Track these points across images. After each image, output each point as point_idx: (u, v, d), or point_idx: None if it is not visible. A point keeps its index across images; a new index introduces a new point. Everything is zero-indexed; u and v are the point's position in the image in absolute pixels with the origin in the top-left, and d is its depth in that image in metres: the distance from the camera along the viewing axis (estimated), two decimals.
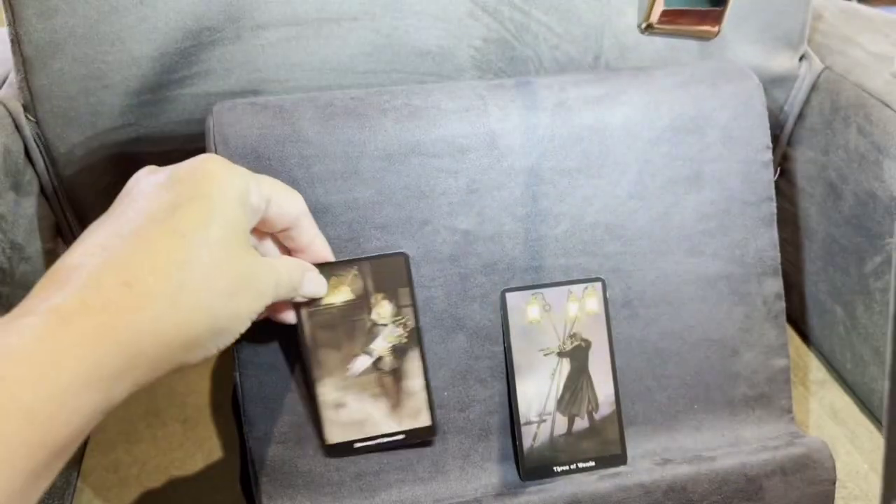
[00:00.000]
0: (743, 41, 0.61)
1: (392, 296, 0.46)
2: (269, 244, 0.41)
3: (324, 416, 0.45)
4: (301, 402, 0.46)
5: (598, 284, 0.49)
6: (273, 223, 0.39)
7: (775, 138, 0.66)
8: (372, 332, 0.45)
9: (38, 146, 0.54)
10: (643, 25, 0.57)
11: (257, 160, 0.46)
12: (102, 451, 0.58)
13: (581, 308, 0.49)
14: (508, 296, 0.48)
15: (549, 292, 0.48)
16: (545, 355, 0.48)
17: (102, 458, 0.57)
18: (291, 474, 0.46)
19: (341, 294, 0.45)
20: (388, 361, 0.45)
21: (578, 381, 0.48)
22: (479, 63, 0.57)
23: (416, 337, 0.46)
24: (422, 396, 0.46)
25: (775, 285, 0.53)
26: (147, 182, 0.34)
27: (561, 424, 0.47)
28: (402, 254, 0.46)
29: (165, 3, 0.50)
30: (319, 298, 0.44)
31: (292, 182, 0.46)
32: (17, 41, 0.50)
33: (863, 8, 0.71)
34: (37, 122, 0.53)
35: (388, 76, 0.56)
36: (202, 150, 0.47)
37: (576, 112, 0.50)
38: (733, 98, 0.52)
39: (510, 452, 0.48)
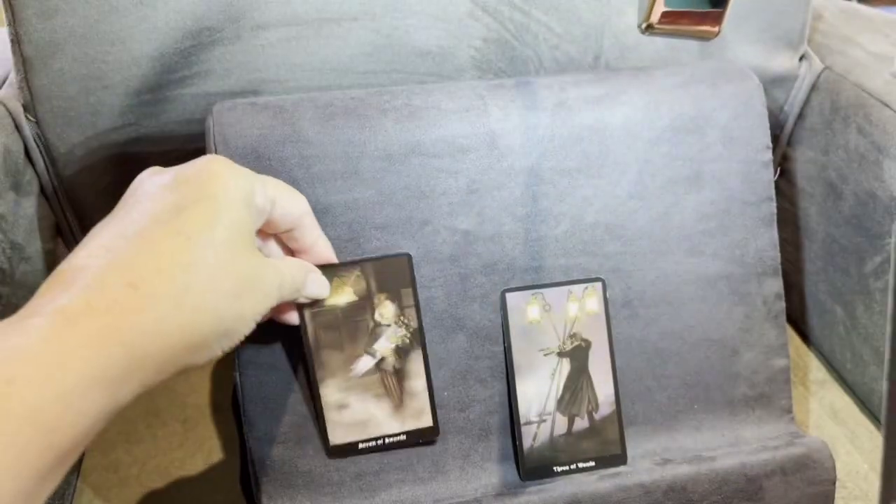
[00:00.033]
0: (743, 41, 0.61)
1: (395, 296, 0.46)
2: (272, 245, 0.41)
3: (327, 417, 0.45)
4: (301, 402, 0.46)
5: (598, 284, 0.49)
6: (277, 224, 0.39)
7: (775, 138, 0.66)
8: (375, 332, 0.45)
9: (38, 146, 0.54)
10: (643, 26, 0.57)
11: (257, 160, 0.46)
12: (102, 451, 0.58)
13: (581, 308, 0.49)
14: (508, 296, 0.48)
15: (549, 292, 0.48)
16: (545, 355, 0.48)
17: (102, 458, 0.57)
18: (291, 474, 0.46)
19: (344, 295, 0.45)
20: (390, 362, 0.46)
21: (578, 381, 0.48)
22: (479, 63, 0.57)
23: (418, 337, 0.46)
24: (424, 397, 0.46)
25: (775, 285, 0.53)
26: (152, 183, 0.34)
27: (561, 424, 0.47)
28: (406, 255, 0.46)
29: (165, 3, 0.50)
30: (323, 300, 0.44)
31: (292, 182, 0.46)
32: (17, 41, 0.50)
33: (863, 8, 0.71)
34: (37, 122, 0.53)
35: (388, 76, 0.56)
36: (202, 150, 0.47)
37: (576, 112, 0.50)
38: (733, 98, 0.52)
39: (510, 452, 0.48)
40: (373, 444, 0.45)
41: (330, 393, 0.45)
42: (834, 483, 0.50)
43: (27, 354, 0.26)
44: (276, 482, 0.46)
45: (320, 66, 0.54)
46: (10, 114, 0.52)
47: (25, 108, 0.53)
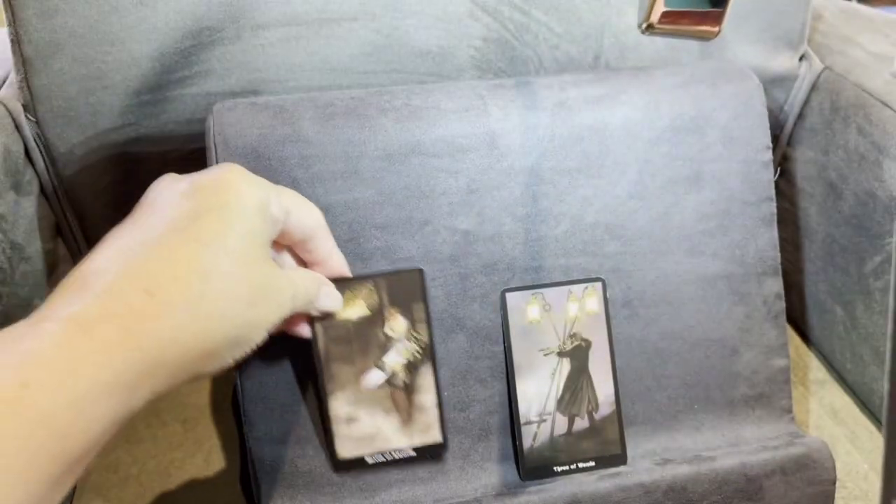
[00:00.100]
0: (743, 41, 0.61)
1: (406, 311, 0.45)
2: (286, 257, 0.41)
3: (335, 431, 0.45)
4: (301, 402, 0.46)
5: (598, 284, 0.49)
6: (291, 235, 0.39)
7: (775, 138, 0.66)
8: (385, 346, 0.45)
9: (38, 146, 0.54)
10: (643, 25, 0.57)
11: (257, 160, 0.46)
12: (102, 451, 0.57)
13: (581, 308, 0.49)
14: (508, 296, 0.48)
15: (549, 292, 0.48)
16: (545, 355, 0.48)
17: (102, 458, 0.57)
18: (291, 474, 0.46)
19: (356, 309, 0.44)
20: (401, 376, 0.45)
21: (578, 381, 0.48)
22: (479, 63, 0.57)
23: (429, 352, 0.46)
24: (434, 412, 0.46)
25: (775, 285, 0.53)
26: (169, 190, 0.34)
27: (561, 424, 0.47)
28: (418, 269, 0.46)
29: (165, 3, 0.50)
30: (335, 313, 0.44)
31: (292, 182, 0.46)
32: (17, 41, 0.50)
33: (863, 8, 0.71)
34: (37, 122, 0.53)
35: (388, 76, 0.56)
36: (202, 150, 0.47)
37: (576, 112, 0.50)
38: (733, 98, 0.52)
39: (510, 452, 0.48)
40: (380, 458, 0.45)
41: (339, 406, 0.44)
42: (834, 483, 0.50)
43: (41, 359, 0.26)
44: (276, 482, 0.46)
45: (320, 66, 0.54)
46: (10, 114, 0.52)
47: (25, 108, 0.53)
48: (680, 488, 0.47)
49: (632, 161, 0.51)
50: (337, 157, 0.47)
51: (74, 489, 0.55)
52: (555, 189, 0.50)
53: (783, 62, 0.63)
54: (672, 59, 0.60)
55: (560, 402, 0.48)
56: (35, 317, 0.28)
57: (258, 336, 0.34)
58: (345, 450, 0.45)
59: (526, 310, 0.48)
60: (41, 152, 0.54)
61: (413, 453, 0.46)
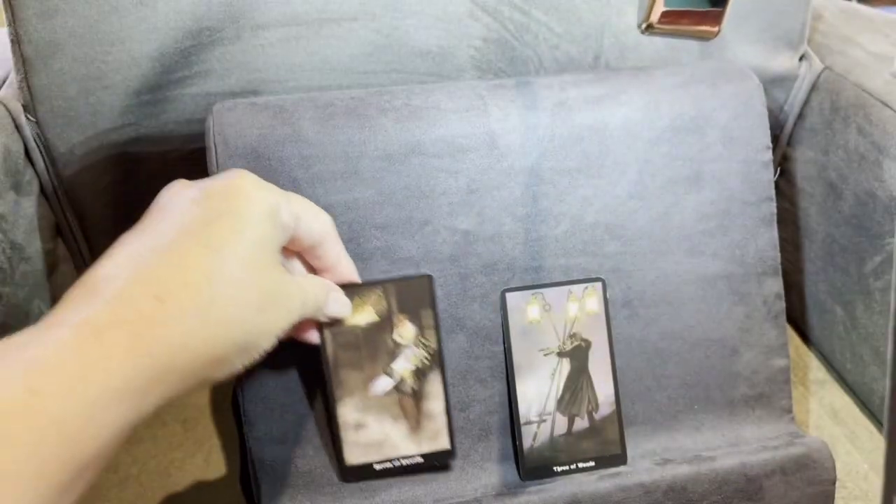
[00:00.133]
0: (743, 41, 0.61)
1: (415, 317, 0.45)
2: (296, 263, 0.41)
3: (343, 437, 0.44)
4: (301, 401, 0.46)
5: (598, 284, 0.49)
6: (301, 241, 0.39)
7: (775, 138, 0.66)
8: (394, 353, 0.45)
9: (38, 146, 0.54)
10: (643, 25, 0.57)
11: (257, 160, 0.46)
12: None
13: (581, 308, 0.49)
14: (508, 296, 0.48)
15: (549, 292, 0.48)
16: (545, 355, 0.48)
17: None
18: (291, 474, 0.46)
19: (365, 315, 0.44)
20: (409, 383, 0.45)
21: (578, 381, 0.48)
22: (479, 63, 0.57)
23: (438, 359, 0.46)
24: (442, 419, 0.45)
25: (775, 285, 0.53)
26: (179, 196, 0.34)
27: (561, 424, 0.47)
28: (427, 276, 0.46)
29: (165, 3, 0.50)
30: (343, 319, 0.44)
31: (292, 182, 0.46)
32: (17, 41, 0.50)
33: (863, 8, 0.71)
34: (37, 122, 0.53)
35: (388, 76, 0.56)
36: (202, 151, 0.47)
37: (576, 112, 0.50)
38: (733, 98, 0.52)
39: (510, 452, 0.48)
40: (388, 465, 0.45)
41: (347, 412, 0.44)
42: (834, 483, 0.50)
43: (51, 365, 0.26)
44: (276, 482, 0.46)
45: (320, 66, 0.54)
46: (10, 114, 0.52)
47: (25, 108, 0.53)
48: (680, 488, 0.47)
49: (632, 161, 0.51)
50: (337, 157, 0.47)
51: None
52: (555, 189, 0.50)
53: (783, 62, 0.63)
54: (672, 59, 0.60)
55: (560, 402, 0.48)
56: (45, 322, 0.28)
57: (267, 342, 0.34)
58: (353, 456, 0.45)
59: (526, 310, 0.48)
60: (41, 152, 0.54)
61: (421, 460, 0.45)
